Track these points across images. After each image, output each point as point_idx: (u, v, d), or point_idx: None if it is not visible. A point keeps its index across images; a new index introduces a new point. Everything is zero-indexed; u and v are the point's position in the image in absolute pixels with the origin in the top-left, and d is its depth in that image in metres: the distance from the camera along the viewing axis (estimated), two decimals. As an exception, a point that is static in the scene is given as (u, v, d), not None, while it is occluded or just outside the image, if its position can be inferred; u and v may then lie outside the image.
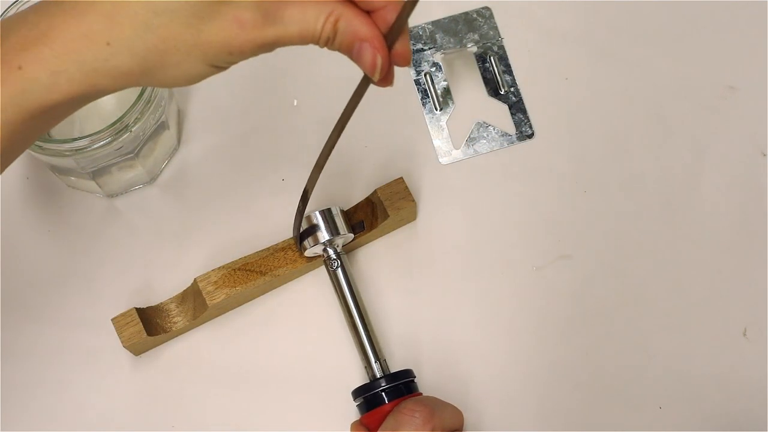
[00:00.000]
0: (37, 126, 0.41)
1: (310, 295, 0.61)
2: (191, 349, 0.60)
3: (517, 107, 0.65)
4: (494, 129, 0.65)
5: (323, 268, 0.60)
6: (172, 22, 0.38)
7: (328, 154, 0.49)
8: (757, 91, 0.66)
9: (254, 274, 0.58)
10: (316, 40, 0.41)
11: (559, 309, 0.61)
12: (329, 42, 0.42)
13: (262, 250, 0.59)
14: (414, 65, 0.66)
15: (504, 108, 0.66)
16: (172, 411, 0.59)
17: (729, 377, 0.60)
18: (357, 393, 0.55)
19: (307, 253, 0.58)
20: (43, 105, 0.39)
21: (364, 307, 0.58)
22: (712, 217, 0.63)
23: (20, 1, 0.56)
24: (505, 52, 0.67)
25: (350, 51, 0.42)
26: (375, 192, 0.60)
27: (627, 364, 0.60)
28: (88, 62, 0.39)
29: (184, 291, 0.59)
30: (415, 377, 0.56)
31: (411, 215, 0.62)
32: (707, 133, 0.65)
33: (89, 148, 0.54)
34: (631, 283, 0.62)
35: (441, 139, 0.65)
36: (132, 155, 0.58)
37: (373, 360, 0.56)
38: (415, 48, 0.67)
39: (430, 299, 0.61)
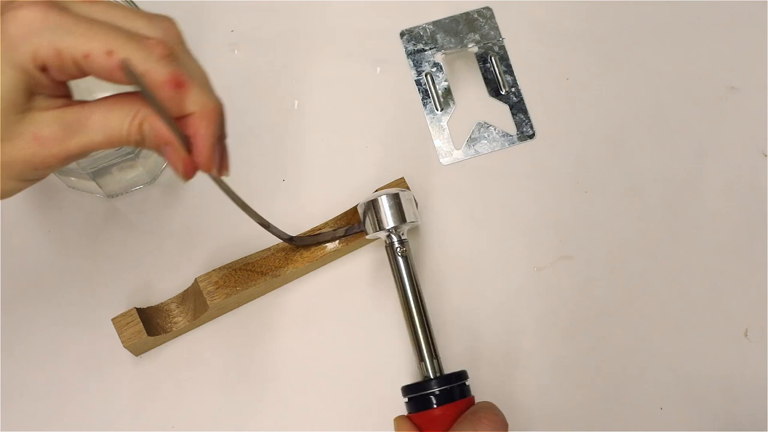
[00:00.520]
0: None
1: (312, 295, 0.61)
2: (192, 349, 0.60)
3: (518, 107, 0.65)
4: (495, 129, 0.65)
5: (324, 268, 0.60)
6: None
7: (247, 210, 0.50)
8: (758, 91, 0.66)
9: (255, 274, 0.58)
10: (126, 143, 0.41)
11: (559, 310, 0.61)
12: (139, 144, 0.41)
13: (263, 250, 0.59)
14: (415, 65, 0.66)
15: (505, 108, 0.65)
16: (172, 411, 0.58)
17: (730, 378, 0.60)
18: (408, 390, 0.54)
19: (369, 236, 0.58)
20: None
21: (424, 301, 0.56)
22: (714, 218, 0.63)
23: (20, 1, 0.56)
24: (506, 52, 0.67)
25: (160, 152, 0.42)
26: (377, 191, 0.60)
27: (628, 365, 0.60)
28: None
29: (185, 291, 0.59)
30: (467, 379, 0.54)
31: None
32: (708, 134, 0.65)
33: (89, 148, 0.54)
34: (631, 283, 0.62)
35: (442, 140, 0.65)
36: (132, 155, 0.58)
37: (427, 358, 0.55)
38: (416, 48, 0.67)
39: (431, 300, 0.61)
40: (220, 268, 0.58)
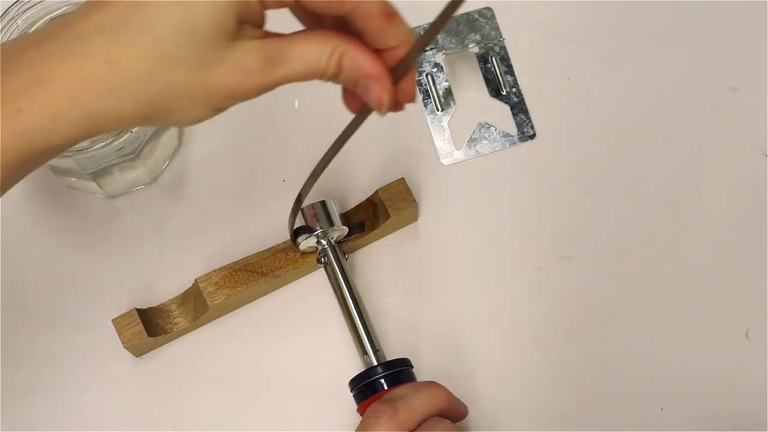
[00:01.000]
0: (37, 162, 0.40)
1: (312, 295, 0.61)
2: (192, 349, 0.60)
3: (518, 108, 0.65)
4: (496, 130, 0.65)
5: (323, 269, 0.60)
6: (176, 70, 0.38)
7: (325, 167, 0.50)
8: (759, 91, 0.66)
9: (255, 274, 0.58)
10: (321, 76, 0.42)
11: (560, 310, 0.61)
12: (334, 77, 0.42)
13: (264, 251, 0.59)
14: (415, 66, 0.66)
15: (506, 108, 0.65)
16: (172, 412, 0.58)
17: (731, 379, 0.60)
18: (353, 383, 0.54)
19: (302, 246, 0.58)
20: (43, 147, 0.39)
21: (360, 298, 0.57)
22: (714, 218, 0.63)
23: (21, 1, 0.56)
24: (506, 52, 0.67)
25: (356, 86, 0.42)
26: (376, 192, 0.60)
27: (628, 366, 0.60)
28: (89, 107, 0.38)
29: (185, 292, 0.59)
30: (412, 366, 0.55)
31: (412, 216, 0.61)
32: (709, 134, 0.65)
33: (90, 149, 0.54)
34: (632, 284, 0.62)
35: (442, 140, 0.65)
36: (133, 156, 0.58)
37: (370, 349, 0.55)
38: (416, 48, 0.67)
39: (431, 300, 0.61)
40: (220, 268, 0.58)
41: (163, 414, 0.58)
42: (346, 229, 0.59)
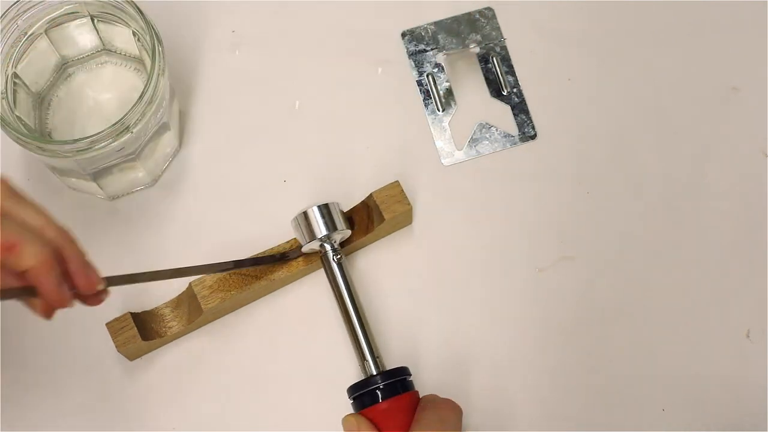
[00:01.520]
0: None
1: (307, 299, 0.61)
2: (186, 353, 0.59)
3: (519, 108, 0.65)
4: (497, 130, 0.65)
5: (319, 271, 0.60)
6: None
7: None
8: (760, 91, 0.66)
9: (250, 278, 0.58)
10: None
11: (561, 311, 0.61)
12: None
13: (257, 254, 0.58)
14: (416, 66, 0.66)
15: (506, 109, 0.65)
16: (166, 415, 0.58)
17: (732, 379, 0.60)
18: (352, 390, 0.54)
19: (305, 249, 0.58)
20: None
21: (361, 304, 0.57)
22: (716, 219, 0.63)
23: (21, 1, 0.56)
24: (507, 52, 0.67)
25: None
26: (371, 195, 0.59)
27: (630, 366, 0.60)
28: None
29: (179, 295, 0.59)
30: (410, 375, 0.55)
31: (407, 219, 0.61)
32: (710, 134, 0.65)
33: (90, 149, 0.54)
34: (633, 284, 0.62)
35: (443, 141, 0.65)
36: (133, 156, 0.58)
37: (369, 356, 0.55)
38: (417, 49, 0.66)
39: (432, 301, 0.61)
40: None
41: (157, 417, 0.58)
42: (348, 232, 0.59)
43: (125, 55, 0.61)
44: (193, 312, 0.58)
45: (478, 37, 0.67)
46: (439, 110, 0.65)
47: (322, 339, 0.60)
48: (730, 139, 0.65)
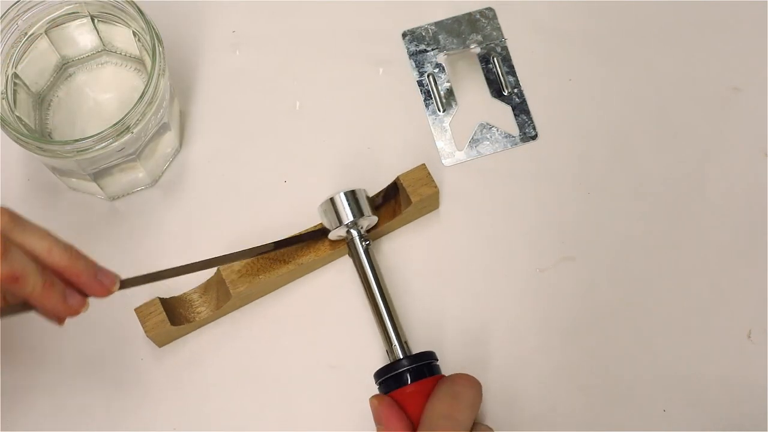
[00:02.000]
0: None
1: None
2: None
3: (520, 108, 0.65)
4: (497, 130, 0.65)
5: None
6: None
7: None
8: (761, 92, 0.66)
9: (278, 263, 0.58)
10: None
11: (562, 311, 0.61)
12: None
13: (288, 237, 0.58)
14: (417, 66, 0.66)
15: (507, 109, 0.65)
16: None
17: (733, 380, 0.60)
18: (380, 374, 0.54)
19: (331, 235, 0.58)
20: None
21: (387, 290, 0.57)
22: (717, 219, 0.63)
23: (21, 2, 0.56)
24: (508, 52, 0.67)
25: None
26: (398, 178, 0.59)
27: (631, 367, 0.60)
28: None
29: (208, 281, 0.59)
30: (437, 359, 0.55)
31: (434, 203, 0.61)
32: (711, 135, 0.65)
33: (90, 149, 0.54)
34: (634, 284, 0.62)
35: (444, 141, 0.64)
36: (133, 156, 0.58)
37: (395, 341, 0.55)
38: (418, 49, 0.66)
39: (432, 301, 0.61)
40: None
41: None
42: (375, 219, 0.58)
43: (125, 55, 0.61)
44: (221, 297, 0.58)
45: (479, 38, 0.67)
46: (439, 110, 0.65)
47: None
48: (730, 140, 0.65)
